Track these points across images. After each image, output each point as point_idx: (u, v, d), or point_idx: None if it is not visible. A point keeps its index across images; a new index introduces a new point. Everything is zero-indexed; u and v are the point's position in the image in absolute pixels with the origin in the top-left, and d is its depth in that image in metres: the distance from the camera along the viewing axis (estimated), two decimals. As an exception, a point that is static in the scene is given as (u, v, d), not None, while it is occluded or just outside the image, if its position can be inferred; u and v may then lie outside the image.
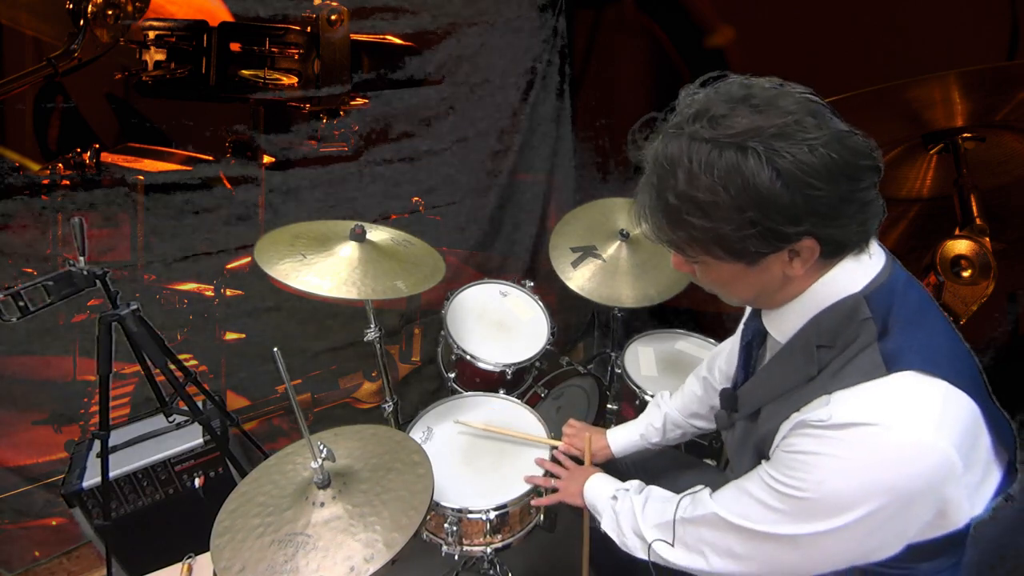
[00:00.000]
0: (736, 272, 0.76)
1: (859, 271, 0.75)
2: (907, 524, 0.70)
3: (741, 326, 1.05)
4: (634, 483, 1.10)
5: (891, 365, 0.69)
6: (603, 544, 1.70)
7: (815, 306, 0.76)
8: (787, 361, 0.81)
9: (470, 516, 1.28)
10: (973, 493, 0.72)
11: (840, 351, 0.73)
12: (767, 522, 0.76)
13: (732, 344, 1.13)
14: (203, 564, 1.30)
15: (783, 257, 0.72)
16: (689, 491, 0.95)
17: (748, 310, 1.00)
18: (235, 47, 1.79)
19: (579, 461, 1.32)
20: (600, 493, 1.14)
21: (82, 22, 1.57)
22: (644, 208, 0.76)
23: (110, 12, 1.59)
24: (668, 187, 0.71)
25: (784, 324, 0.81)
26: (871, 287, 0.74)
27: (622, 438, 1.33)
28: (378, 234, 1.57)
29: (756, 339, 0.91)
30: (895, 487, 0.66)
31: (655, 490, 1.05)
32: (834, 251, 0.73)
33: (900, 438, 0.66)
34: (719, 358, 1.21)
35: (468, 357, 1.70)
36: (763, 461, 0.81)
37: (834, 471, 0.68)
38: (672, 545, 0.91)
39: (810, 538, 0.72)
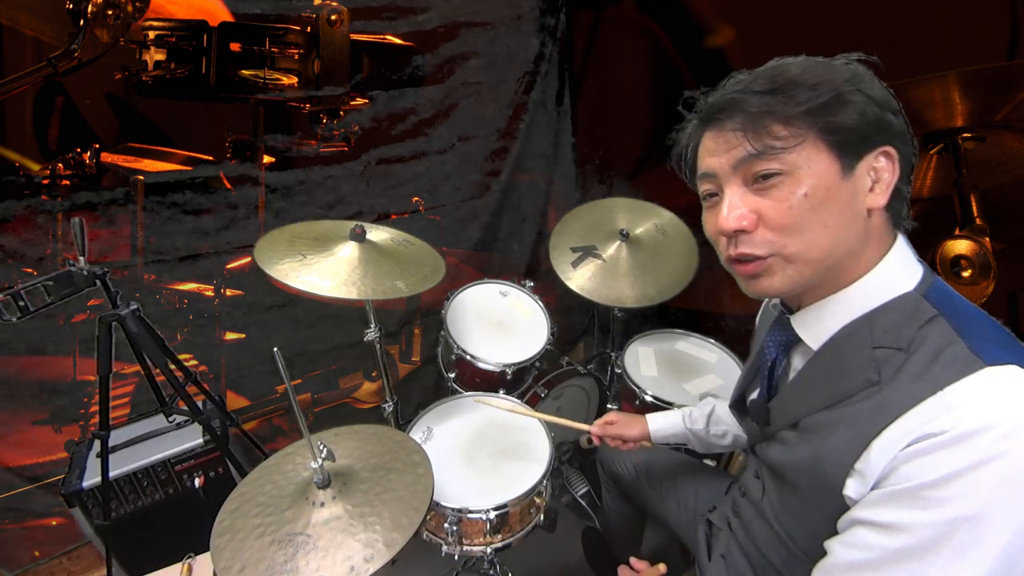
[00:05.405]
0: (827, 181, 0.69)
1: (909, 267, 0.73)
2: None
3: (754, 346, 0.99)
4: None
5: (986, 359, 0.62)
6: (603, 544, 1.71)
7: (861, 307, 0.72)
8: (832, 365, 0.73)
9: (470, 516, 1.28)
10: None
11: (912, 353, 0.66)
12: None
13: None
14: (203, 564, 1.30)
15: (869, 172, 0.70)
16: None
17: (762, 321, 0.98)
18: (235, 47, 1.79)
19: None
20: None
21: (82, 22, 1.57)
22: (747, 93, 0.71)
23: (110, 12, 1.59)
24: (787, 68, 0.72)
25: (821, 326, 0.75)
26: (923, 285, 0.71)
27: (663, 419, 1.28)
28: (378, 234, 1.57)
29: (781, 354, 0.84)
30: None
31: None
32: (903, 184, 0.72)
33: None
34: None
35: (468, 357, 1.70)
36: (855, 525, 0.67)
37: (989, 482, 0.58)
38: None
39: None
